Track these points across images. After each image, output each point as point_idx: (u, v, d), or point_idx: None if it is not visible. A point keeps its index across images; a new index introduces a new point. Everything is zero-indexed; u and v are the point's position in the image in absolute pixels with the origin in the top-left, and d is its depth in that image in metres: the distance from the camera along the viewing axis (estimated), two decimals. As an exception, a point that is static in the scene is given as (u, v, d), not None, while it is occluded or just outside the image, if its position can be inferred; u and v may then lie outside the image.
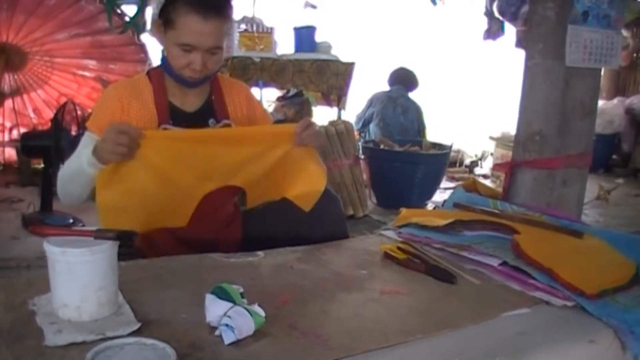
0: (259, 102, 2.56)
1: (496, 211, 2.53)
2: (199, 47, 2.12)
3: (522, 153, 2.83)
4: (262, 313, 1.51)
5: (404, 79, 7.23)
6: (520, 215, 2.47)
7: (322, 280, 1.93)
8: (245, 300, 1.54)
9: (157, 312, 1.61)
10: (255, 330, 1.48)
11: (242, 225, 2.48)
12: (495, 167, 5.95)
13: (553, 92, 2.78)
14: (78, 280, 1.50)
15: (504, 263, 2.03)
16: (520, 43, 4.03)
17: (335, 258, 2.15)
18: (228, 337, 1.43)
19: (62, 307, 1.52)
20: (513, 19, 3.87)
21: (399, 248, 2.18)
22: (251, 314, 1.48)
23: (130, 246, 1.73)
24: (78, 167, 2.08)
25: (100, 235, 1.56)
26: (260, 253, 2.15)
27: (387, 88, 7.28)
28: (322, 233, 2.35)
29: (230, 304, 1.49)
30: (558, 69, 2.76)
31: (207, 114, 2.35)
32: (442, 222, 2.33)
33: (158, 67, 2.35)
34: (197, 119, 2.31)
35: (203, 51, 2.14)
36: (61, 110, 4.96)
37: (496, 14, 4.41)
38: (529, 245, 2.03)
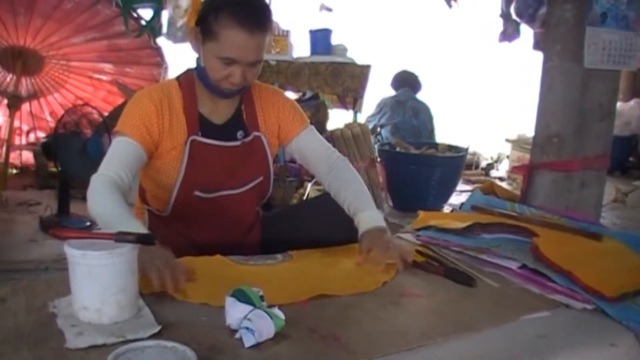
0: (292, 105, 2.46)
1: (514, 214, 2.52)
2: (241, 61, 2.05)
3: (540, 155, 2.83)
4: (282, 316, 1.51)
5: (409, 82, 7.25)
6: (538, 217, 2.45)
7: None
8: (264, 303, 1.54)
9: (177, 314, 1.62)
10: (275, 333, 1.48)
11: (261, 229, 2.49)
12: (513, 169, 5.94)
13: (571, 94, 2.77)
14: (98, 283, 1.51)
15: (523, 266, 2.03)
16: (538, 45, 4.01)
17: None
18: (248, 340, 1.43)
19: (83, 309, 1.53)
20: (531, 21, 3.85)
21: (417, 251, 2.18)
22: (271, 317, 1.48)
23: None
24: (112, 224, 1.85)
25: (120, 238, 1.56)
26: (279, 256, 2.16)
27: (392, 93, 7.29)
28: (339, 237, 2.33)
29: (250, 307, 1.49)
30: (576, 71, 2.76)
31: (236, 126, 2.31)
32: (461, 224, 2.33)
33: (189, 73, 2.29)
34: (226, 132, 2.29)
35: (244, 65, 2.07)
36: (67, 113, 4.98)
37: (513, 16, 4.39)
38: (548, 248, 2.03)
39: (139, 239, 1.58)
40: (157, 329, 1.50)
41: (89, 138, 4.78)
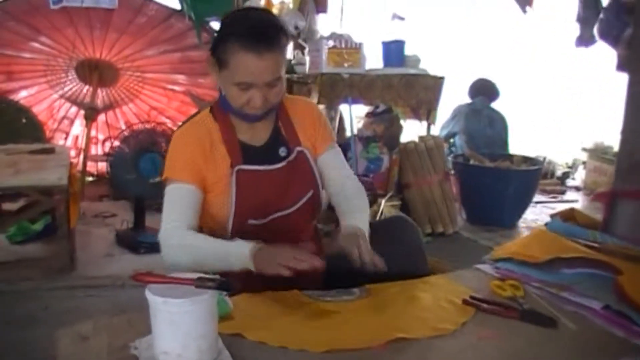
0: (325, 118, 2.46)
1: (595, 244, 2.43)
2: (257, 83, 2.05)
3: (623, 183, 2.73)
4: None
5: (485, 90, 7.18)
6: (621, 249, 2.37)
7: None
8: None
9: (255, 358, 1.61)
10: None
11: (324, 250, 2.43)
12: (595, 197, 5.80)
13: (657, 121, 2.67)
14: (179, 329, 1.51)
15: (607, 306, 1.95)
16: (621, 67, 3.90)
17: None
18: None
19: (163, 354, 1.53)
20: (615, 43, 3.75)
21: (497, 286, 2.13)
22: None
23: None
24: (215, 255, 2.03)
25: (200, 284, 1.56)
26: (356, 290, 2.11)
27: (468, 100, 7.23)
28: (401, 263, 2.23)
29: None
30: (665, 96, 2.65)
31: (277, 144, 2.30)
32: (541, 256, 2.26)
33: (220, 102, 2.29)
34: (268, 152, 2.28)
35: (261, 86, 2.06)
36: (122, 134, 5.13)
37: (597, 38, 4.30)
38: (632, 287, 1.95)
39: (220, 285, 1.58)
40: (238, 374, 1.50)
41: (142, 155, 4.86)
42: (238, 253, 1.97)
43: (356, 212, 2.30)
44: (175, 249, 2.06)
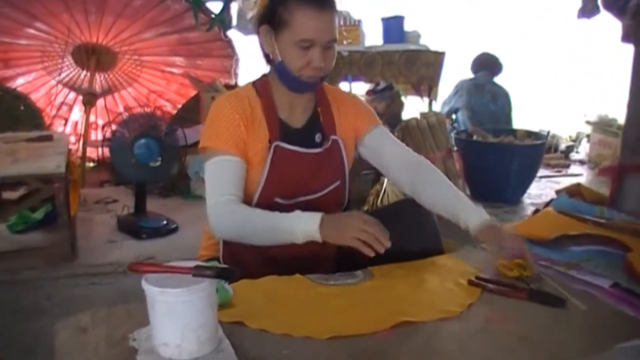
0: (367, 105, 2.48)
1: (602, 220, 2.39)
2: (319, 41, 2.06)
3: (630, 157, 2.69)
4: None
5: (488, 64, 7.12)
6: (630, 225, 2.32)
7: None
8: None
9: (258, 348, 1.57)
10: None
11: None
12: (600, 171, 5.76)
13: (666, 92, 2.62)
14: (177, 319, 1.48)
15: (616, 284, 1.91)
16: (627, 38, 3.82)
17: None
18: None
19: (163, 345, 1.50)
20: (620, 14, 3.66)
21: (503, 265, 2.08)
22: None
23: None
24: (276, 227, 2.03)
25: (198, 273, 1.52)
26: (359, 273, 2.07)
27: (469, 75, 7.17)
28: (416, 248, 2.24)
29: None
30: (671, 66, 2.61)
31: (314, 129, 2.30)
32: (548, 234, 2.22)
33: (265, 78, 2.29)
34: (305, 135, 2.27)
35: (321, 46, 2.07)
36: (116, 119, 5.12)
37: (602, 9, 4.21)
38: (642, 263, 1.92)
39: (218, 274, 1.54)
40: (239, 365, 1.46)
41: (137, 140, 4.83)
42: (303, 224, 1.98)
43: (458, 198, 2.26)
44: (230, 222, 2.07)
